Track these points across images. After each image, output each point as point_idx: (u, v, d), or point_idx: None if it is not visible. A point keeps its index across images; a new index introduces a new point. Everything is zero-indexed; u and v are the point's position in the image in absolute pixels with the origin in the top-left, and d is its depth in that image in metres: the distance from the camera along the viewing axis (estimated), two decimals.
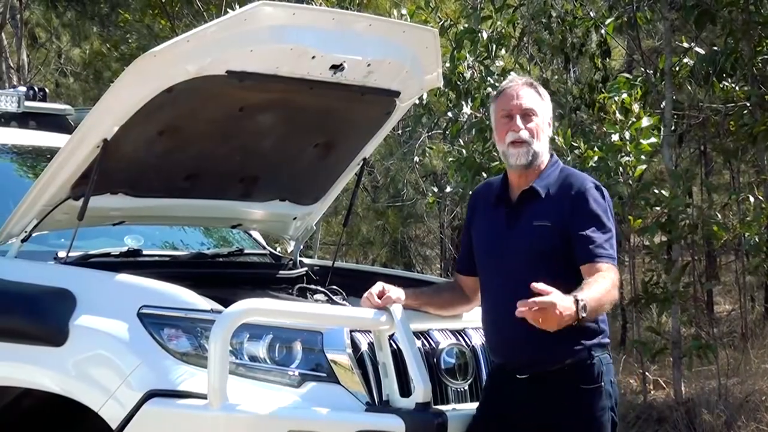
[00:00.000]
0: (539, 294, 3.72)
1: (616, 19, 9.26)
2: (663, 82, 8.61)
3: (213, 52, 4.34)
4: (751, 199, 8.43)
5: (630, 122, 7.64)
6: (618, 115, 7.68)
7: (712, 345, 8.08)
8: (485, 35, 8.92)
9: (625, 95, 7.69)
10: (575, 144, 7.79)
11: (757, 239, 8.01)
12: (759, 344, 10.51)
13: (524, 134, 4.16)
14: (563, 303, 3.74)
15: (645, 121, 7.61)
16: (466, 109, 8.92)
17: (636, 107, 7.66)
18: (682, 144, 11.93)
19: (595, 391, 4.07)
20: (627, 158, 7.66)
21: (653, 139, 7.66)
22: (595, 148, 7.70)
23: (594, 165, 7.66)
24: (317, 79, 4.59)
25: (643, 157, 7.69)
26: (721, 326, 11.48)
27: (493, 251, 4.21)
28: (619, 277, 4.08)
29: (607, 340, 4.16)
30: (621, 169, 7.73)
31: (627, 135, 7.62)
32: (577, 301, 3.78)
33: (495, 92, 4.38)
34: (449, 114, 9.25)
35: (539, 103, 4.22)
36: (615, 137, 7.64)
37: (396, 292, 4.26)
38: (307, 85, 4.61)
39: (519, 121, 4.17)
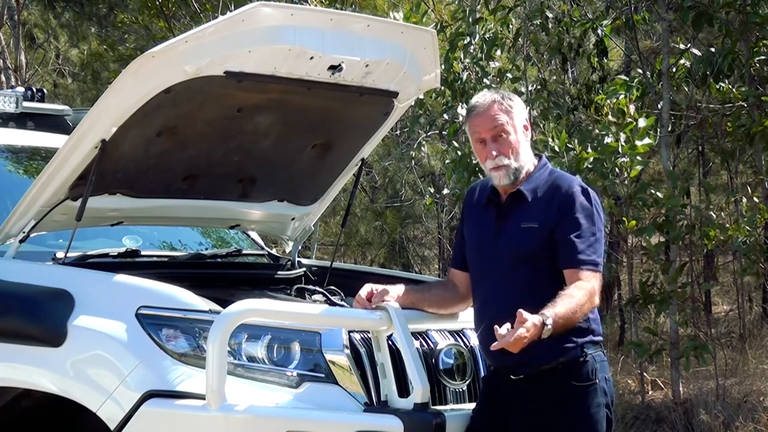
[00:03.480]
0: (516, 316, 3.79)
1: (613, 20, 9.26)
2: (660, 83, 8.61)
3: (211, 52, 4.34)
4: (744, 200, 8.43)
5: (625, 123, 7.64)
6: (610, 117, 7.68)
7: (708, 345, 8.08)
8: (477, 38, 8.90)
9: (622, 96, 7.68)
10: (570, 146, 7.79)
11: (747, 240, 8.00)
12: (757, 345, 10.53)
13: (500, 160, 4.15)
14: (529, 333, 3.78)
15: (641, 122, 7.60)
16: (461, 110, 8.91)
17: (631, 108, 7.66)
18: (680, 145, 11.95)
19: (589, 388, 4.08)
20: (623, 159, 7.65)
21: (647, 140, 7.65)
22: (589, 149, 7.69)
23: (589, 166, 7.66)
24: (315, 80, 4.59)
25: (638, 158, 7.69)
26: (719, 327, 11.48)
27: (482, 252, 4.22)
28: (601, 282, 4.10)
29: (599, 338, 4.17)
30: (617, 170, 7.73)
31: (622, 136, 7.61)
32: (543, 324, 3.82)
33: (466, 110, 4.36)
34: (445, 116, 9.25)
35: (509, 116, 4.16)
36: (608, 139, 7.63)
37: (385, 291, 4.25)
38: (305, 86, 4.61)
39: (492, 147, 4.15)
